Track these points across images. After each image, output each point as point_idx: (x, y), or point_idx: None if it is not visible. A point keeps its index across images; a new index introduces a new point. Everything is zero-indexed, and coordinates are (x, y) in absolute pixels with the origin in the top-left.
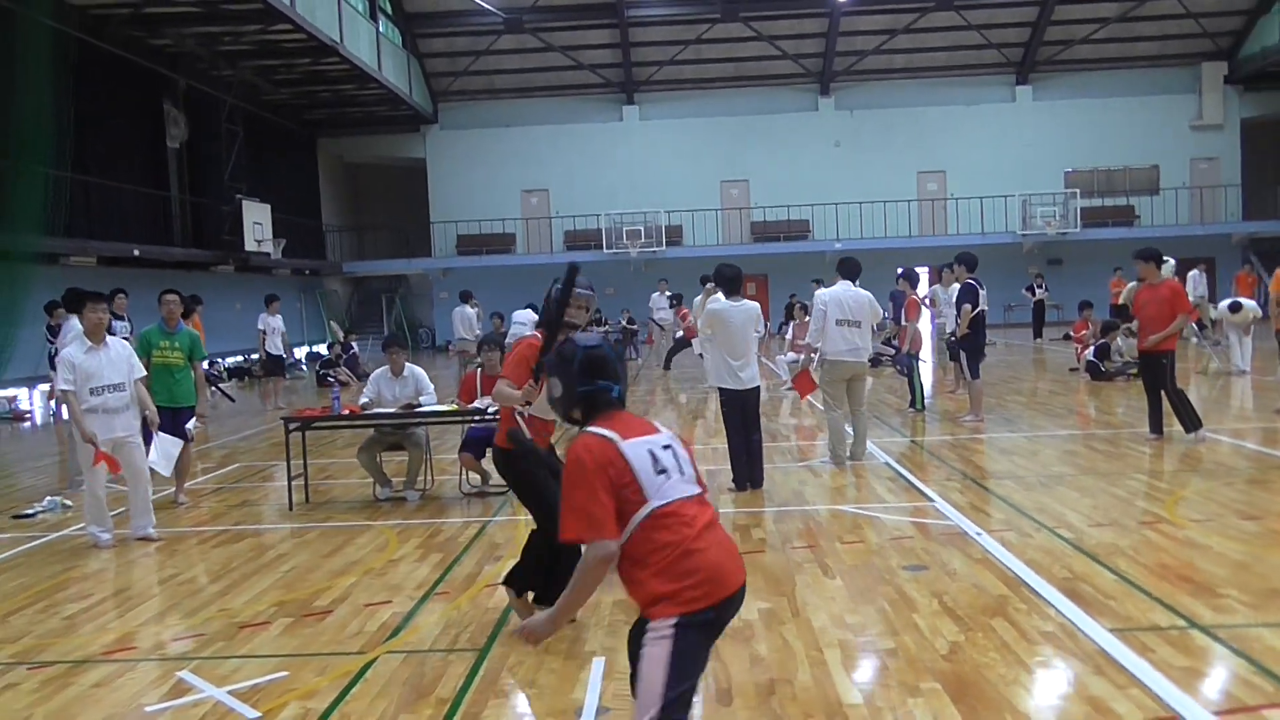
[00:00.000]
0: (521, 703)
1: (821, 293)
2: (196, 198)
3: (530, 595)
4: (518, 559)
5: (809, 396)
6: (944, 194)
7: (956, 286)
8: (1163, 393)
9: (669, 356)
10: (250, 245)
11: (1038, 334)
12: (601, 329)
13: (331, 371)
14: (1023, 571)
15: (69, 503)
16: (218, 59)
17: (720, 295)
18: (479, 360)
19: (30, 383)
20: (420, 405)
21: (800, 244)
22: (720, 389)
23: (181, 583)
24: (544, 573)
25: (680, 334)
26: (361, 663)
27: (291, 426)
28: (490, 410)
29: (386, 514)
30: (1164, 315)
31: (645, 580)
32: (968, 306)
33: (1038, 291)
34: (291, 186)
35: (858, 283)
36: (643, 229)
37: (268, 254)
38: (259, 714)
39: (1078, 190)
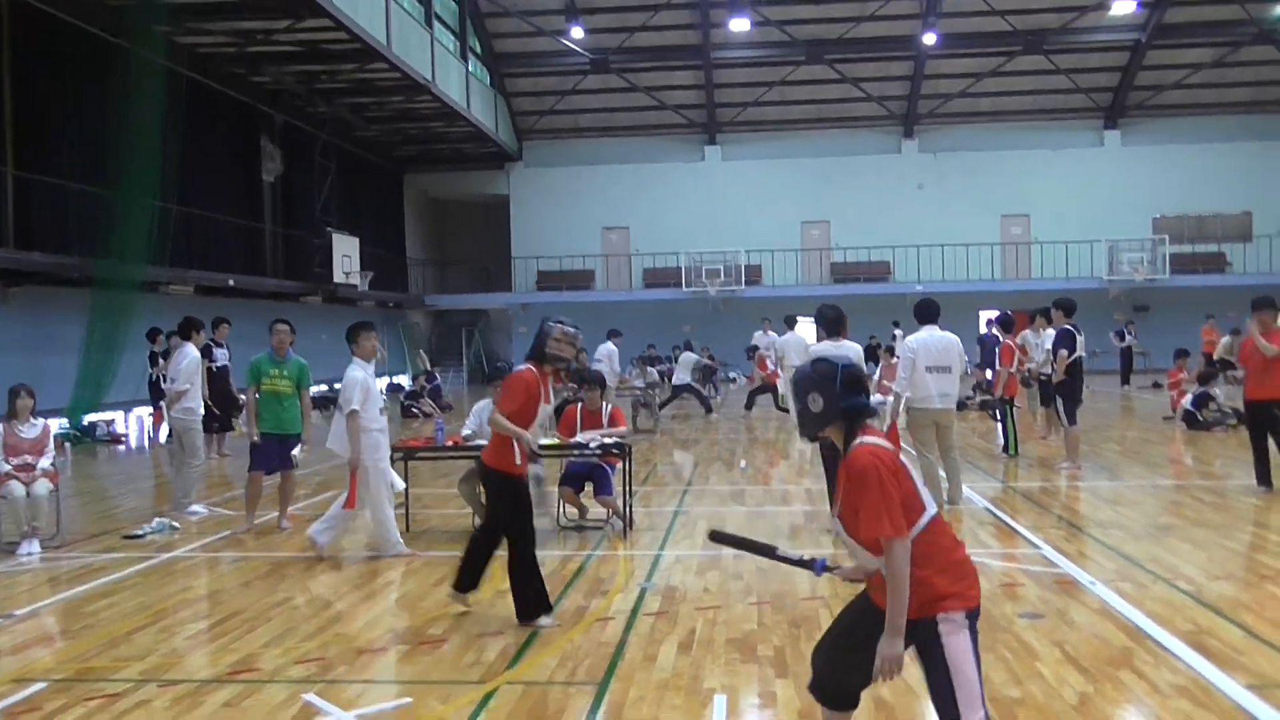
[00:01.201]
0: None
1: (910, 339)
2: (289, 230)
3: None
4: (460, 567)
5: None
6: (1028, 238)
7: (1050, 332)
8: (1271, 443)
9: (751, 396)
10: (339, 277)
11: (1125, 381)
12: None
13: (416, 403)
14: (1144, 623)
15: (177, 524)
16: (314, 96)
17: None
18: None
19: (128, 406)
20: None
21: (881, 285)
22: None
23: (296, 606)
24: (479, 570)
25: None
26: (483, 692)
27: (395, 456)
28: (592, 445)
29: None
30: (1276, 365)
31: (930, 578)
32: (1064, 352)
33: (1127, 338)
34: (378, 220)
35: (940, 326)
36: (722, 268)
37: (355, 286)
38: None
39: (1166, 236)
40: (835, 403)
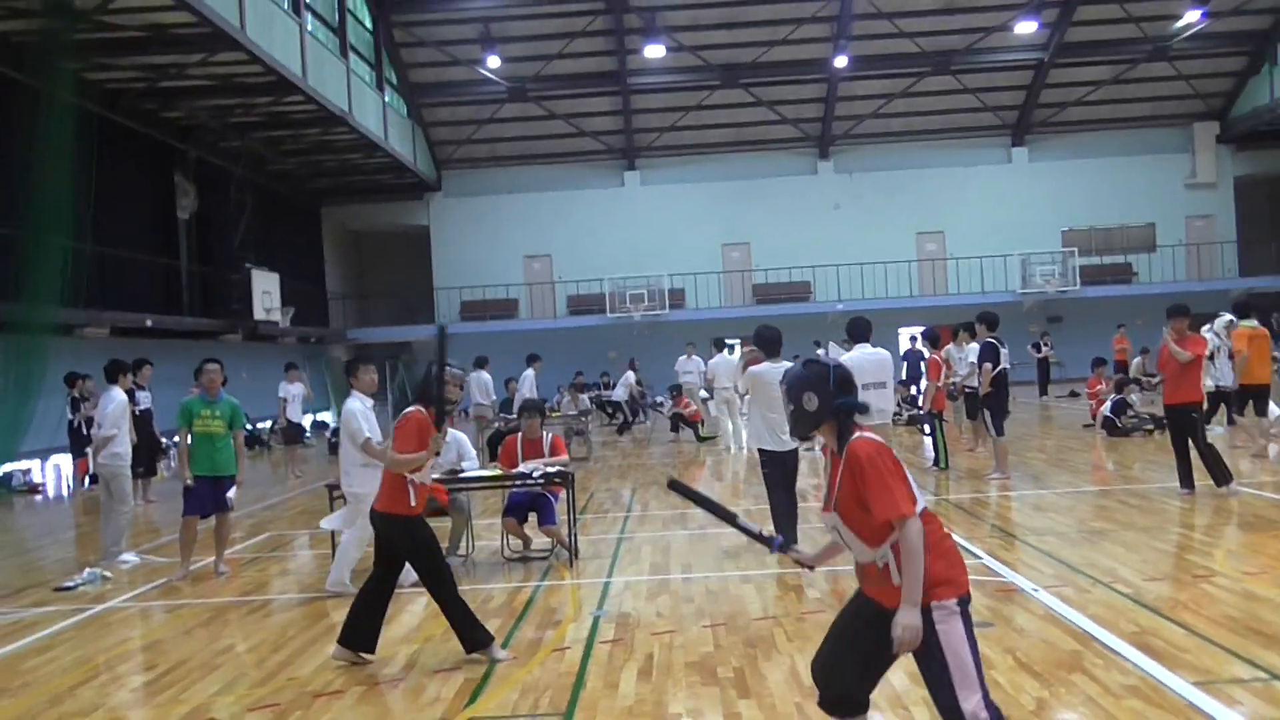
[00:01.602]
0: None
1: (845, 358)
2: (206, 267)
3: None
4: (348, 619)
5: None
6: (943, 254)
7: (973, 346)
8: (1191, 446)
9: (675, 420)
10: (259, 314)
11: (1043, 391)
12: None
13: None
14: (1090, 627)
15: (108, 574)
16: (228, 130)
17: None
18: (499, 424)
19: (44, 455)
20: (463, 470)
21: (802, 305)
22: (761, 450)
23: (243, 652)
24: (374, 622)
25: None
26: None
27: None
28: (536, 474)
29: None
30: (1191, 370)
31: (928, 564)
32: (989, 365)
33: (1043, 349)
34: (296, 254)
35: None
36: (646, 292)
37: (275, 322)
38: None
39: (1075, 249)
40: (830, 402)
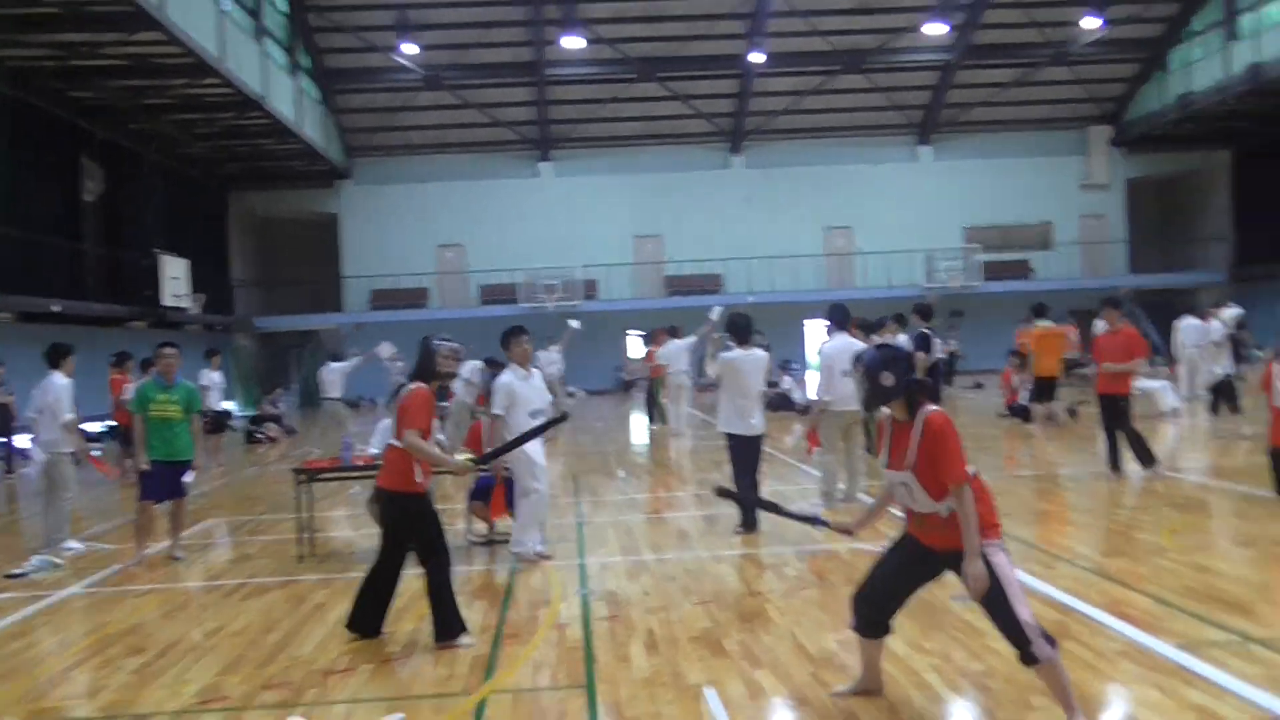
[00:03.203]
0: None
1: (825, 347)
2: (113, 252)
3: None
4: (358, 603)
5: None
6: (851, 249)
7: (902, 337)
8: (1119, 432)
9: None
10: (168, 300)
11: (948, 382)
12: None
13: (260, 428)
14: (1065, 598)
15: (59, 560)
16: (138, 112)
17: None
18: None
19: None
20: None
21: (713, 297)
22: (729, 434)
23: (232, 634)
24: (382, 605)
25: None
26: (473, 702)
27: (300, 478)
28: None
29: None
30: (1124, 359)
31: (982, 514)
32: (922, 355)
33: (951, 342)
34: (203, 241)
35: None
36: (560, 283)
37: (185, 309)
38: None
39: (979, 245)
40: (904, 380)
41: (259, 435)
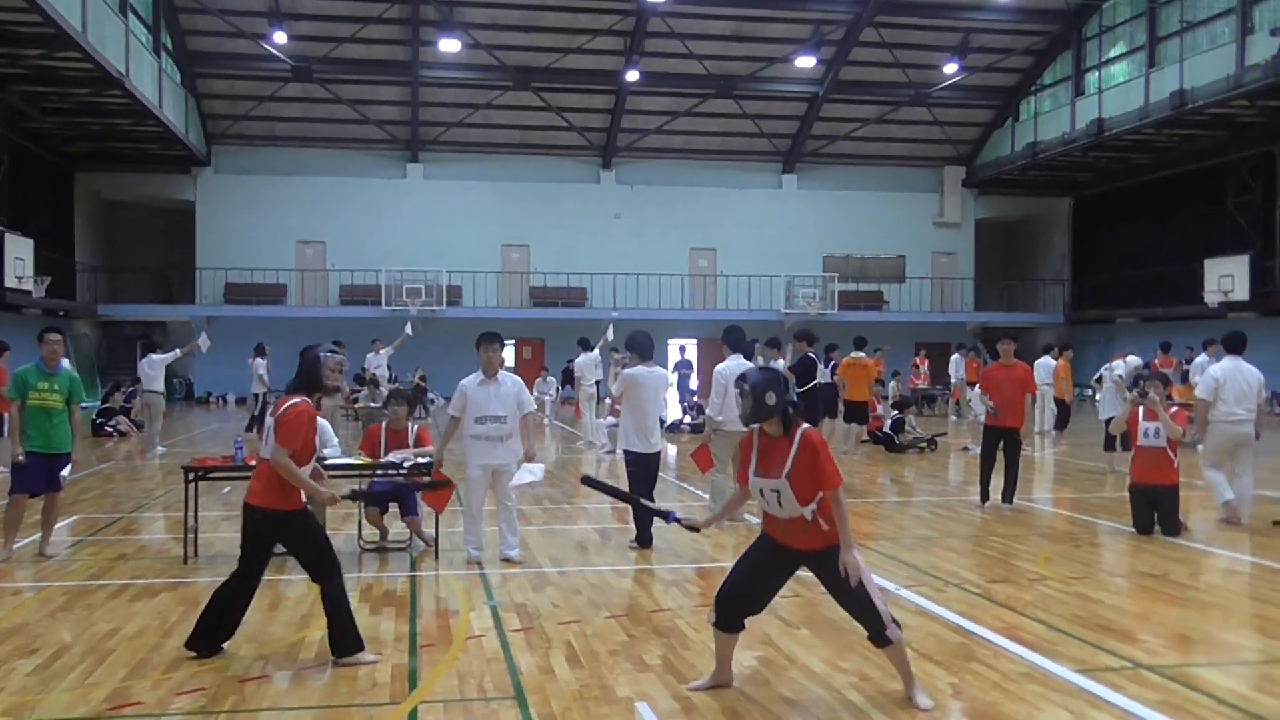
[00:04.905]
0: None
1: (720, 367)
2: None
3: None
4: (199, 622)
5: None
6: (714, 270)
7: (780, 362)
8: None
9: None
10: (10, 282)
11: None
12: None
13: (111, 421)
14: (962, 622)
15: None
16: None
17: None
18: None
19: None
20: (325, 458)
21: (577, 310)
22: (627, 451)
23: (129, 637)
24: (230, 619)
25: None
26: (404, 713)
27: (190, 476)
28: (406, 465)
29: (293, 568)
30: (1020, 395)
31: (829, 521)
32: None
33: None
34: (45, 221)
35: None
36: (423, 288)
37: (28, 292)
38: None
39: (836, 275)
40: (783, 399)
41: (109, 429)
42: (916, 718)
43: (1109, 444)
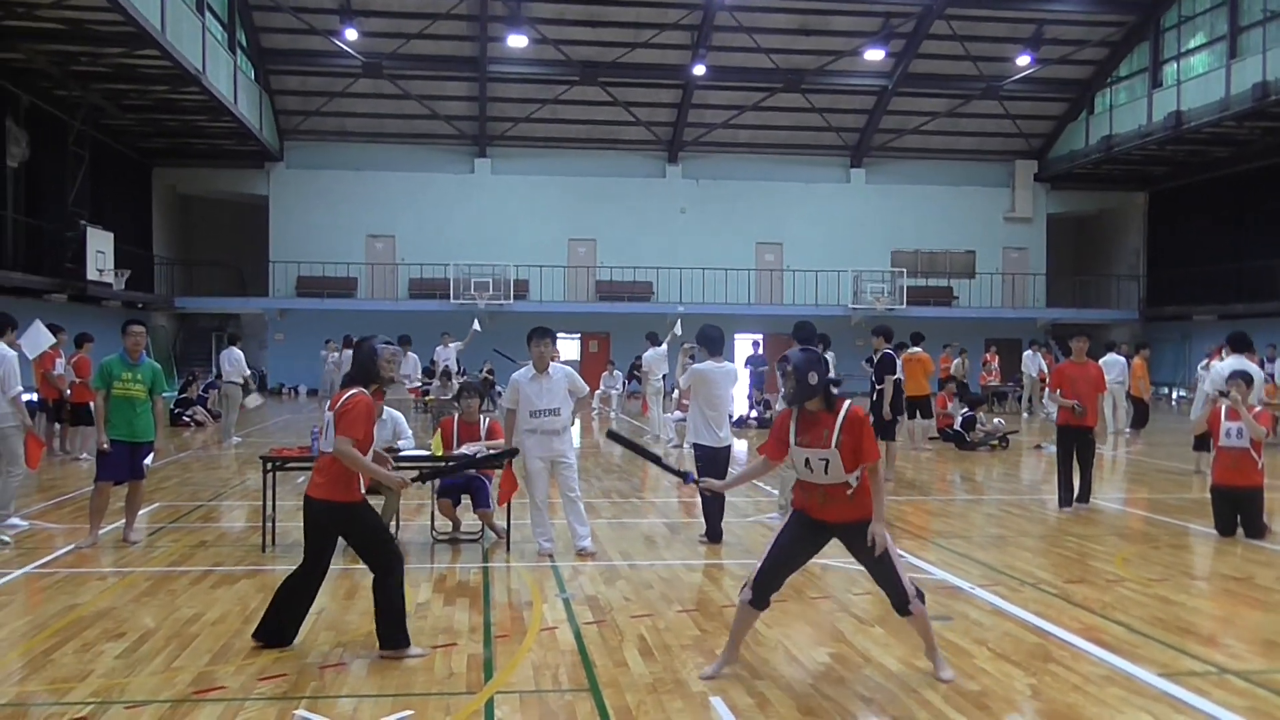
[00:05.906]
0: None
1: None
2: (34, 220)
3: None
4: (266, 613)
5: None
6: (780, 265)
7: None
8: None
9: None
10: (92, 274)
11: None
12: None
13: (188, 411)
14: (1039, 622)
15: (6, 538)
16: (68, 79)
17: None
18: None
19: None
20: (400, 449)
21: (643, 305)
22: (696, 444)
23: (212, 622)
24: (295, 612)
25: None
26: (479, 702)
27: (268, 466)
28: (479, 456)
29: None
30: (1093, 393)
31: (865, 493)
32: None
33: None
34: (125, 215)
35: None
36: (491, 281)
37: (109, 284)
38: None
39: (904, 270)
40: (824, 378)
41: (186, 418)
42: (991, 712)
43: (1198, 444)
